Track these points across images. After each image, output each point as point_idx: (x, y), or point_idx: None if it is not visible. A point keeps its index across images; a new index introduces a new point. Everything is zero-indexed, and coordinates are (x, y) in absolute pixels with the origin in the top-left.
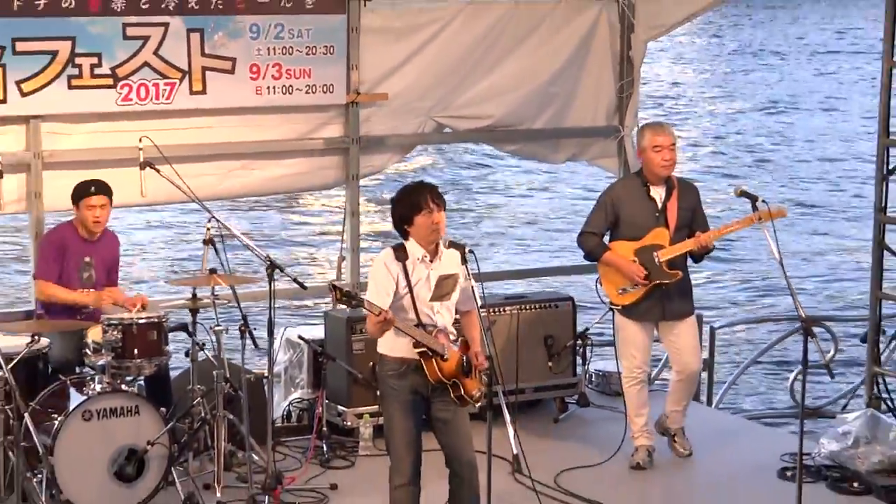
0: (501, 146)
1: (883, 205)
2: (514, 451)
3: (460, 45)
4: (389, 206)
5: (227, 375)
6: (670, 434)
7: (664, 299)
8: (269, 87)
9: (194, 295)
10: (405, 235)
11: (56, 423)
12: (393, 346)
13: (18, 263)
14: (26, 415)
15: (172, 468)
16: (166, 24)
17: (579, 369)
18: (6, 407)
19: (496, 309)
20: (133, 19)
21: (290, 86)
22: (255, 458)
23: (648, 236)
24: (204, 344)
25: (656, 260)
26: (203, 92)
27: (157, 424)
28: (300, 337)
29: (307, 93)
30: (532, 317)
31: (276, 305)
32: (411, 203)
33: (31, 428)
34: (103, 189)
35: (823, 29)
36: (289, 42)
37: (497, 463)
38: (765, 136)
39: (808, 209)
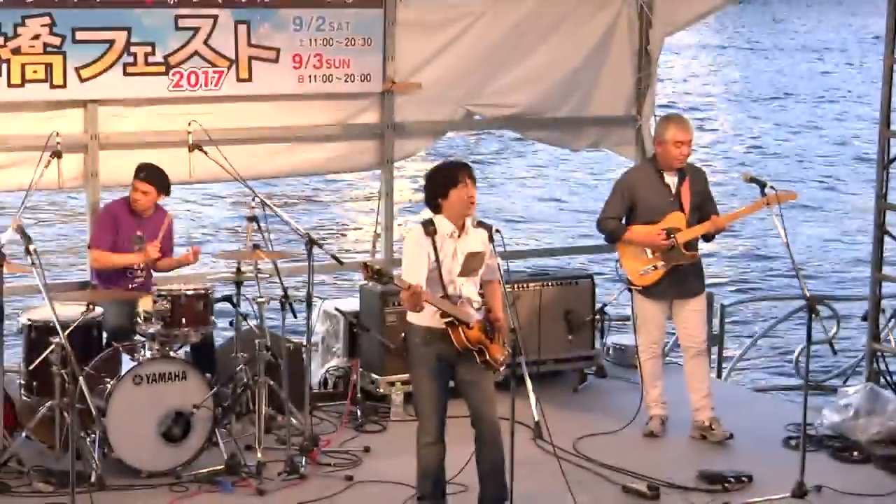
0: (526, 133)
1: (884, 192)
2: (536, 419)
3: (490, 38)
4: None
5: (269, 344)
6: (705, 425)
7: (680, 279)
8: (310, 76)
9: (238, 269)
10: (437, 209)
11: (109, 386)
12: (421, 315)
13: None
14: (81, 378)
15: (216, 430)
16: (215, 16)
17: (598, 343)
18: (62, 371)
19: (520, 285)
20: (184, 11)
21: (330, 74)
22: (294, 421)
23: (665, 220)
24: (247, 314)
25: (675, 242)
26: (249, 79)
27: (203, 389)
28: (337, 309)
29: (346, 81)
30: (554, 293)
31: (316, 280)
32: (448, 177)
33: (86, 391)
34: (152, 179)
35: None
36: (329, 34)
37: (520, 429)
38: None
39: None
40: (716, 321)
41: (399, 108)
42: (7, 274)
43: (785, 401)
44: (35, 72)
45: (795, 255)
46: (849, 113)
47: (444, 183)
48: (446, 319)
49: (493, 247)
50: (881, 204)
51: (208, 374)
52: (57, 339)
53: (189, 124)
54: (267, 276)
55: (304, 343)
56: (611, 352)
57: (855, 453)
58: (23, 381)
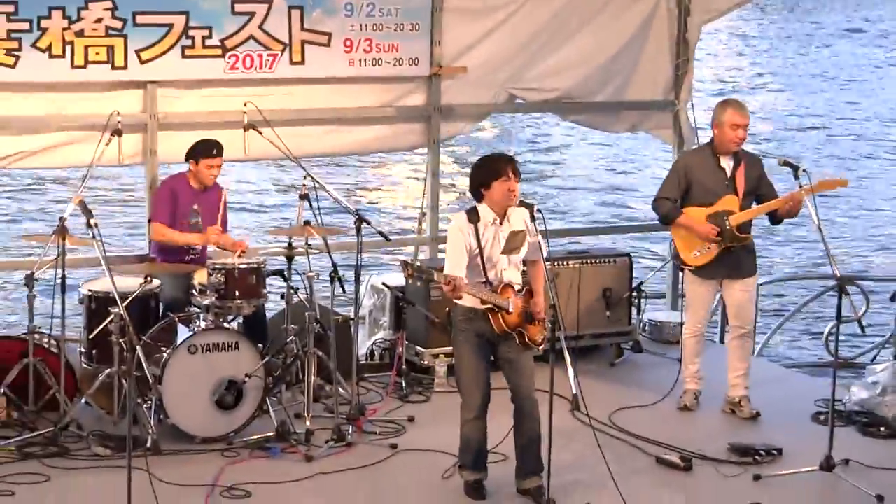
0: (567, 116)
1: None
2: (574, 392)
3: (533, 24)
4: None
5: (318, 317)
6: (735, 402)
7: (731, 261)
8: (360, 60)
9: (290, 244)
10: (480, 198)
11: (165, 355)
12: (465, 295)
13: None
14: (138, 347)
15: (267, 398)
16: (270, 2)
17: (634, 319)
18: (121, 340)
19: (560, 262)
20: None
21: (380, 58)
22: (341, 391)
23: (719, 203)
24: (297, 288)
25: (727, 224)
26: (302, 62)
27: (255, 359)
28: (384, 284)
29: (394, 65)
30: (592, 270)
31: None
32: (492, 169)
33: (143, 359)
34: (222, 151)
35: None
36: (379, 19)
37: (558, 401)
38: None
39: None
40: None
41: (445, 91)
42: (69, 246)
43: (814, 377)
44: (97, 54)
45: (826, 236)
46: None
47: (488, 174)
48: (486, 306)
49: (535, 226)
50: None
51: (260, 345)
52: (116, 310)
53: (244, 105)
54: (317, 251)
55: (352, 316)
56: (647, 327)
57: (882, 429)
58: (83, 350)
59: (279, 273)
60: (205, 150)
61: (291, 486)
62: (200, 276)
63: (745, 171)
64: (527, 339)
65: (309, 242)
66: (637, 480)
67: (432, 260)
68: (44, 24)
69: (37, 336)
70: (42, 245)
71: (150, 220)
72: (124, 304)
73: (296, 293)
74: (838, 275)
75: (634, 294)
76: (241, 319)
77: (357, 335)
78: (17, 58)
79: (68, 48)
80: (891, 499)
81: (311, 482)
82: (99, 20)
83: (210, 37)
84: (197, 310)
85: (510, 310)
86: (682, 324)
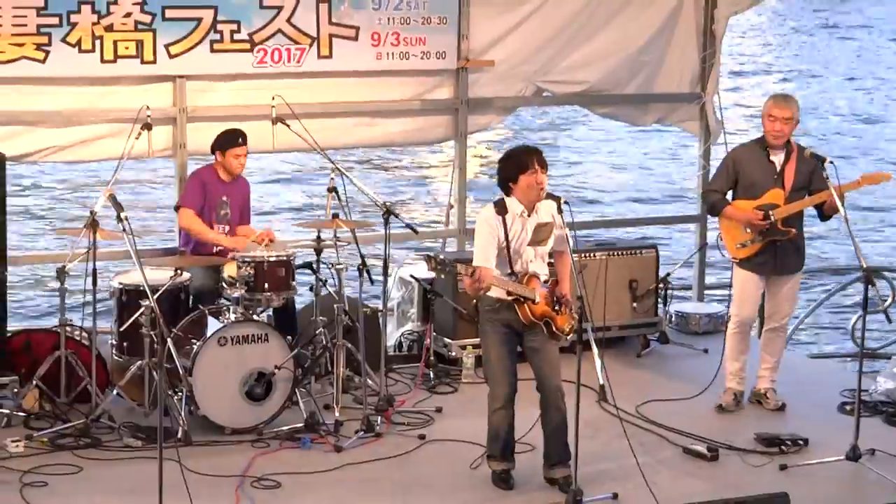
0: (595, 109)
1: None
2: (601, 382)
3: (560, 17)
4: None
5: (347, 309)
6: (761, 393)
7: (778, 254)
8: (388, 53)
9: (319, 237)
10: (508, 192)
11: (195, 347)
12: (491, 287)
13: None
14: (169, 339)
15: (296, 390)
16: None
17: (661, 310)
18: (151, 332)
19: (587, 254)
20: None
21: (407, 52)
22: (370, 382)
23: (765, 196)
24: (326, 280)
25: (772, 217)
26: (329, 56)
27: (284, 351)
28: (412, 276)
29: (422, 59)
30: (619, 262)
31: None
32: (519, 162)
33: (173, 351)
34: (246, 140)
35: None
36: (406, 13)
37: (585, 392)
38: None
39: None
40: None
41: (472, 85)
42: (100, 240)
43: (840, 368)
44: (127, 48)
45: (852, 226)
46: None
47: (514, 168)
48: (512, 297)
49: (562, 218)
50: None
51: (289, 337)
52: (147, 302)
53: (272, 98)
54: (345, 244)
55: (381, 308)
56: (673, 319)
57: None
58: (114, 342)
59: (308, 266)
60: (231, 140)
61: (321, 476)
62: (230, 269)
63: (795, 166)
64: (554, 329)
65: (337, 235)
66: (664, 470)
67: (460, 252)
68: (73, 18)
69: (68, 328)
70: (73, 238)
71: (178, 207)
72: (155, 297)
73: (325, 285)
74: (864, 265)
75: (661, 285)
76: (270, 311)
77: (385, 327)
78: (47, 53)
79: (98, 43)
80: None
81: (341, 472)
82: (128, 15)
83: (238, 31)
84: (227, 302)
85: (536, 300)
86: (727, 318)
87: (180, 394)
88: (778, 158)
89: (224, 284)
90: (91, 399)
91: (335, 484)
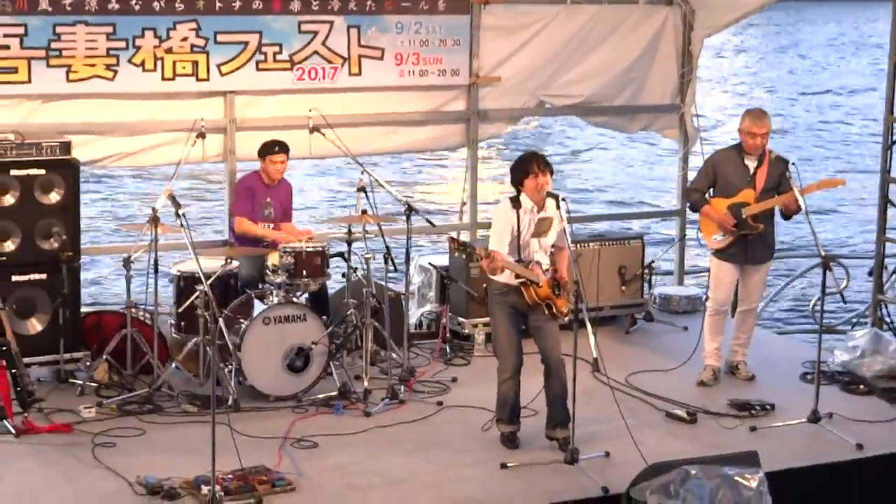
0: (589, 118)
1: (888, 168)
2: (594, 355)
3: (559, 40)
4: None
5: (374, 292)
6: (734, 365)
7: (749, 247)
8: (409, 71)
9: (349, 230)
10: (519, 192)
11: (243, 326)
12: (500, 272)
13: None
14: (220, 319)
15: (331, 363)
16: (331, 22)
17: (646, 293)
18: (205, 313)
19: (582, 244)
20: (306, 18)
21: (426, 70)
22: (394, 356)
23: (739, 195)
24: (356, 268)
25: (742, 214)
26: (359, 74)
27: (320, 329)
28: (430, 264)
29: (438, 75)
30: (610, 250)
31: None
32: (522, 168)
33: (224, 330)
34: (285, 149)
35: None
36: (425, 36)
37: (581, 364)
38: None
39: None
40: None
41: (482, 98)
42: (161, 234)
43: (802, 342)
44: (184, 68)
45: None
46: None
47: (520, 173)
48: (519, 280)
49: (561, 213)
50: (885, 178)
51: (324, 317)
52: (201, 287)
53: (310, 111)
54: (373, 236)
55: (403, 291)
56: (657, 300)
57: (861, 387)
58: (173, 322)
59: (340, 255)
60: (269, 148)
61: (352, 437)
62: (273, 258)
63: (767, 170)
64: (554, 311)
65: (366, 229)
66: (649, 432)
67: (472, 242)
68: (138, 42)
69: (134, 310)
70: (137, 232)
71: (232, 214)
72: (208, 283)
73: (355, 272)
74: (822, 254)
75: (646, 271)
76: (307, 295)
77: (407, 308)
78: (116, 72)
79: (159, 63)
80: (869, 447)
81: (369, 434)
82: (185, 39)
83: (280, 52)
84: (270, 287)
85: (540, 283)
86: (684, 298)
87: (230, 366)
88: (752, 163)
89: (268, 271)
90: (153, 371)
91: (364, 444)
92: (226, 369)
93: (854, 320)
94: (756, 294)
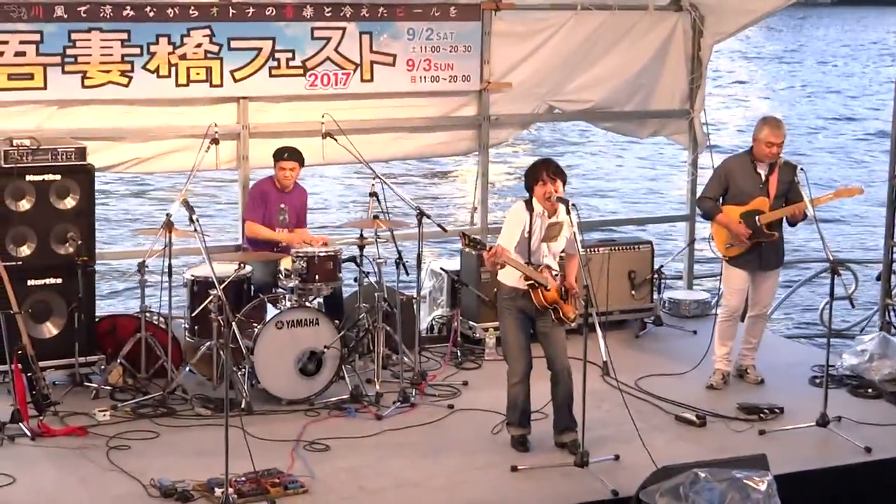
0: (599, 124)
1: (895, 173)
2: (604, 359)
3: (568, 46)
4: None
5: (386, 297)
6: (743, 369)
7: (761, 254)
8: (420, 77)
9: (361, 235)
10: (531, 196)
11: (256, 330)
12: (509, 277)
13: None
14: (234, 323)
15: (343, 366)
16: (344, 28)
17: (656, 297)
18: (218, 317)
19: (592, 249)
20: (319, 24)
21: (437, 76)
22: (406, 359)
23: (752, 203)
24: (368, 272)
25: (758, 222)
26: (371, 80)
27: (332, 333)
28: (441, 268)
29: (450, 81)
30: (619, 255)
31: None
32: (533, 175)
33: (237, 333)
34: (295, 156)
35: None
36: (436, 42)
37: (590, 368)
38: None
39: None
40: None
41: (493, 104)
42: (175, 238)
43: (811, 346)
44: (198, 74)
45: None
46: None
47: (531, 180)
48: (528, 282)
49: (571, 219)
50: (894, 183)
51: (336, 321)
52: (215, 292)
53: (322, 116)
54: (385, 241)
55: (415, 296)
56: (666, 305)
57: (869, 390)
58: (187, 325)
59: (353, 260)
60: (279, 154)
61: (364, 440)
62: (286, 263)
63: (778, 176)
64: (561, 316)
65: (378, 233)
66: (658, 435)
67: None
68: (152, 48)
69: (148, 314)
70: (152, 237)
71: (245, 219)
72: (221, 287)
73: (367, 277)
74: (831, 258)
75: (656, 276)
76: (320, 299)
77: (419, 312)
78: (130, 78)
79: (173, 69)
80: (877, 450)
81: (381, 437)
82: (199, 45)
83: (293, 58)
84: (283, 291)
85: (548, 286)
86: (716, 307)
87: (243, 370)
88: (764, 170)
89: (281, 276)
90: (167, 374)
91: (376, 447)
92: (239, 373)
93: (862, 325)
94: (767, 299)
